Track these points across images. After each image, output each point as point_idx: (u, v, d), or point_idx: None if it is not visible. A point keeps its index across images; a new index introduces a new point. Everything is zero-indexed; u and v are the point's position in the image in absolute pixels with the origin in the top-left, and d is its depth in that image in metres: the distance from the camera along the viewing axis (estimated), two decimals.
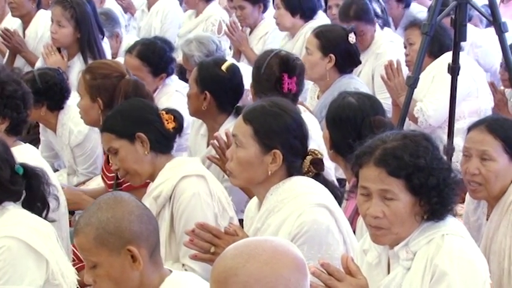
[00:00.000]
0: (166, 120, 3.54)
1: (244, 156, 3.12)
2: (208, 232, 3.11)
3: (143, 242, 2.53)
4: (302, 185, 3.12)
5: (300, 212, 3.02)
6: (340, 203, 3.21)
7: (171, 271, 2.64)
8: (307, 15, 6.15)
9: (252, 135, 3.11)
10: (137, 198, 2.75)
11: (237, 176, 3.18)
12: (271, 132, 3.11)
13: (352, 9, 5.66)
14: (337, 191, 3.26)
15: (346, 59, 4.93)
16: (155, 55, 4.95)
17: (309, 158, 3.19)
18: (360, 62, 5.17)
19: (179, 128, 3.60)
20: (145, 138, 3.47)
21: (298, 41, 6.03)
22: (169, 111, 3.60)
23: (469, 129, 3.52)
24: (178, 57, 5.69)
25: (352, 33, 4.92)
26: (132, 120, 3.54)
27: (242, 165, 3.14)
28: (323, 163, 3.23)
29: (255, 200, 3.26)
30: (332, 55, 4.87)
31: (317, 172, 3.21)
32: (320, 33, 4.98)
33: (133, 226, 2.52)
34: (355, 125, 3.31)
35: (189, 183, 3.43)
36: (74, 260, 3.78)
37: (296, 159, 3.16)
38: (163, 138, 3.54)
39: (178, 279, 2.62)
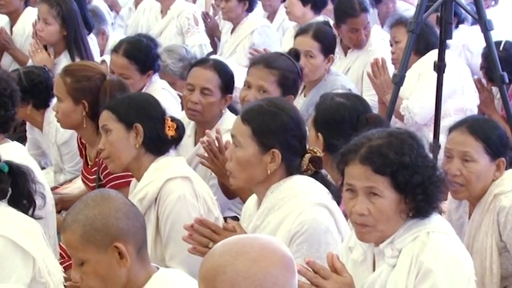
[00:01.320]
0: (169, 126, 3.54)
1: (243, 156, 3.12)
2: (207, 228, 3.10)
3: (130, 238, 2.54)
4: (302, 184, 3.13)
5: (301, 211, 3.02)
6: (338, 202, 3.20)
7: (158, 268, 2.65)
8: (318, 6, 6.22)
9: (250, 135, 3.11)
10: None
11: (237, 176, 3.17)
12: (270, 132, 3.11)
13: (357, 3, 5.63)
14: (335, 189, 3.26)
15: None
16: (141, 53, 4.93)
17: (307, 156, 3.19)
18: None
19: (177, 139, 3.60)
20: (142, 131, 3.47)
21: None
22: (174, 119, 3.60)
23: (451, 129, 3.56)
24: None
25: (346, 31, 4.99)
26: (137, 110, 3.54)
27: (241, 165, 3.14)
28: (322, 161, 3.23)
29: (253, 198, 3.26)
30: (332, 55, 4.91)
31: (317, 170, 3.21)
32: (320, 36, 4.98)
33: (120, 223, 2.53)
34: (351, 124, 3.29)
35: (174, 185, 3.43)
36: (61, 258, 3.77)
37: (295, 158, 3.16)
38: (158, 140, 3.53)
39: (166, 275, 2.64)
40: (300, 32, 5.26)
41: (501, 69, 4.33)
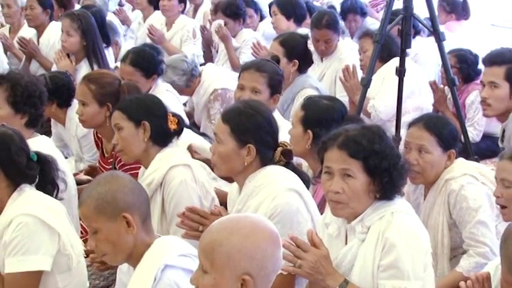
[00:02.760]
0: (171, 121, 3.52)
1: (223, 151, 3.12)
2: (196, 214, 3.11)
3: (136, 210, 2.59)
4: (275, 173, 3.12)
5: (274, 196, 3.02)
6: (307, 187, 3.21)
7: (160, 236, 2.70)
8: (299, 19, 6.23)
9: (229, 133, 3.11)
10: None
11: (219, 168, 3.19)
12: (246, 130, 3.10)
13: (324, 19, 5.58)
14: (305, 176, 3.26)
15: (305, 62, 4.92)
16: (145, 60, 4.90)
17: (279, 149, 3.19)
18: (313, 62, 5.15)
19: (179, 131, 3.58)
20: (149, 127, 3.45)
21: None
22: (175, 115, 3.59)
23: (409, 125, 3.57)
24: None
25: (319, 41, 4.94)
26: (144, 109, 3.51)
27: (222, 159, 3.14)
28: (292, 153, 3.24)
29: (235, 185, 3.25)
30: (296, 60, 4.86)
31: (288, 160, 3.20)
32: (285, 42, 4.95)
33: (127, 197, 2.59)
34: (338, 123, 3.24)
35: (176, 172, 3.41)
36: (82, 234, 3.77)
37: (268, 151, 3.16)
38: (163, 133, 3.50)
39: (167, 240, 2.69)
40: (274, 39, 5.26)
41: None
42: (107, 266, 3.27)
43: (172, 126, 3.52)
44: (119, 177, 2.68)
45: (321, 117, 3.50)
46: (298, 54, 4.85)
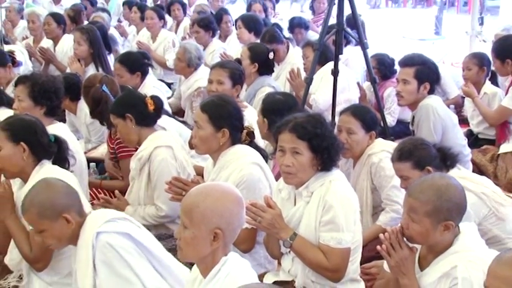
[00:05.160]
0: (149, 103, 3.42)
1: (203, 135, 3.06)
2: (180, 182, 3.05)
3: (72, 208, 2.46)
4: (242, 150, 3.08)
5: (241, 168, 2.97)
6: (266, 161, 3.17)
7: (90, 212, 2.57)
8: (258, 32, 6.10)
9: (207, 120, 3.04)
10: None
11: (200, 148, 3.12)
12: (220, 117, 3.04)
13: (266, 36, 5.59)
14: (264, 153, 3.23)
15: (264, 66, 4.82)
16: (129, 59, 4.81)
17: (245, 131, 3.15)
18: (273, 71, 5.06)
19: (158, 110, 3.47)
20: (132, 117, 3.37)
21: None
22: (152, 97, 3.48)
23: (341, 113, 3.56)
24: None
25: (272, 52, 4.85)
26: (122, 105, 3.43)
27: (202, 140, 3.07)
28: (254, 134, 3.20)
29: (210, 160, 3.19)
30: (256, 63, 4.78)
31: (250, 140, 3.16)
32: (251, 48, 4.87)
33: (63, 200, 2.46)
34: (289, 112, 3.16)
35: (159, 151, 3.34)
36: (91, 199, 3.70)
37: (237, 133, 3.10)
38: (145, 116, 3.42)
39: (94, 214, 2.54)
40: (244, 45, 5.20)
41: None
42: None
43: (151, 107, 3.41)
44: (53, 185, 2.52)
45: (275, 108, 3.45)
46: (260, 59, 4.77)
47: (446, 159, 3.00)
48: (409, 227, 2.32)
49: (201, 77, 5.04)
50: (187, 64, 5.17)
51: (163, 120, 3.78)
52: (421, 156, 2.97)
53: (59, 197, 2.45)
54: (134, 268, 2.40)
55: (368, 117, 3.49)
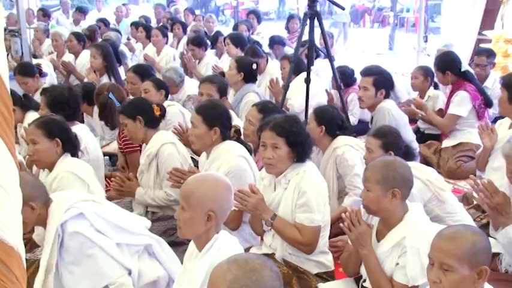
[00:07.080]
0: (156, 109, 3.38)
1: (198, 133, 3.02)
2: (179, 172, 3.03)
3: (37, 198, 2.32)
4: (230, 145, 3.04)
5: (229, 160, 2.94)
6: (251, 154, 3.14)
7: (52, 200, 2.38)
8: (243, 47, 6.01)
9: (201, 121, 3.00)
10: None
11: (196, 144, 3.08)
12: (213, 118, 3.01)
13: (249, 51, 5.52)
14: (249, 147, 3.20)
15: (250, 76, 4.77)
16: (142, 69, 4.72)
17: (233, 129, 3.12)
18: (257, 79, 5.01)
19: (162, 115, 3.44)
20: (142, 119, 3.32)
21: None
22: (157, 105, 3.44)
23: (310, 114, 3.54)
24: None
25: (255, 64, 4.79)
26: (135, 108, 3.36)
27: (197, 138, 3.04)
28: (241, 132, 3.16)
29: (204, 154, 3.15)
30: (242, 72, 4.73)
31: (238, 137, 3.13)
32: (238, 60, 4.81)
33: (30, 191, 2.26)
34: (270, 114, 3.10)
35: (166, 147, 3.28)
36: (106, 187, 3.64)
37: (227, 131, 3.07)
38: (152, 120, 3.37)
39: (55, 204, 2.35)
40: (232, 58, 5.11)
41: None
42: (123, 193, 3.28)
43: (157, 113, 3.38)
44: (23, 178, 2.37)
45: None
46: (245, 69, 4.71)
47: (408, 154, 3.00)
48: (365, 196, 2.30)
49: (188, 87, 5.02)
50: (175, 85, 5.04)
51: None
52: (391, 141, 2.98)
53: (27, 187, 2.25)
54: (97, 242, 2.29)
55: (331, 117, 3.46)
